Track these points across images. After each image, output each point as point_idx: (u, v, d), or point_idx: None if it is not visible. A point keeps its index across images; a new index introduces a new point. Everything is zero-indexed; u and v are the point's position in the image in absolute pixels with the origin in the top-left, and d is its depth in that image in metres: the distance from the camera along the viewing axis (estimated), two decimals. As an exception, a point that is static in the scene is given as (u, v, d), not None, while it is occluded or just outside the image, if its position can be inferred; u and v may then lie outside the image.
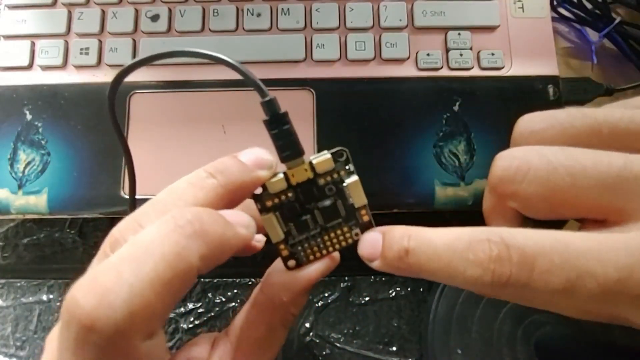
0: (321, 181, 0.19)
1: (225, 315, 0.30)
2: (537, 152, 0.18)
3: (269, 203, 0.19)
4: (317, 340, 0.30)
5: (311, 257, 0.20)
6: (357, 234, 0.20)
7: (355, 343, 0.30)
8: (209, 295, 0.31)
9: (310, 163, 0.18)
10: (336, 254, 0.20)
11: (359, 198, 0.19)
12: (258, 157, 0.19)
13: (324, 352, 0.30)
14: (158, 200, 0.18)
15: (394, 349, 0.30)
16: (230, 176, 0.18)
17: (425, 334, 0.28)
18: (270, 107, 0.18)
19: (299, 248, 0.19)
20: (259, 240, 0.21)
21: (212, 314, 0.30)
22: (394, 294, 0.31)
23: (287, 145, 0.18)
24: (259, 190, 0.19)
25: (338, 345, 0.30)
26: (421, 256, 0.17)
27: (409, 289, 0.31)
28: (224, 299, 0.31)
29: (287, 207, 0.19)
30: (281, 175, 0.19)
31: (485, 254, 0.16)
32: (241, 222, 0.18)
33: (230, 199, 0.18)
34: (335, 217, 0.19)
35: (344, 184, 0.19)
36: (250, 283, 0.31)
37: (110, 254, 0.17)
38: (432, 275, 0.17)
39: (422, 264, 0.17)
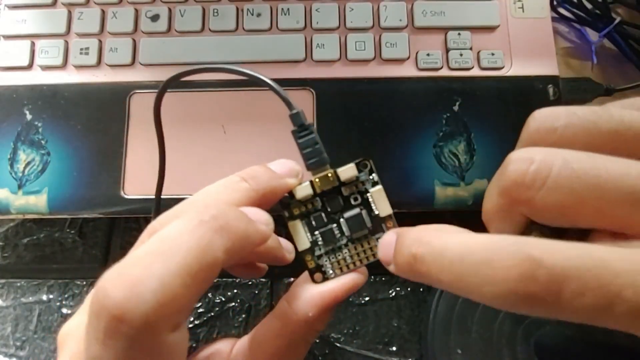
0: (346, 190, 0.20)
1: (225, 315, 0.30)
2: (560, 157, 0.15)
3: (295, 210, 0.20)
4: (317, 340, 0.30)
5: (338, 272, 0.20)
6: None
7: (355, 343, 0.30)
8: (209, 295, 0.31)
9: (335, 172, 0.19)
10: (364, 269, 0.20)
11: (383, 208, 0.20)
12: (286, 166, 0.20)
13: (324, 352, 0.30)
14: (195, 199, 0.19)
15: (394, 349, 0.29)
16: (262, 182, 0.19)
17: (425, 334, 0.28)
18: (297, 118, 0.20)
19: (326, 261, 0.20)
20: (290, 251, 0.21)
21: (212, 314, 0.30)
22: (394, 294, 0.31)
23: (312, 153, 0.20)
24: (286, 198, 0.20)
25: (338, 345, 0.30)
26: (431, 265, 0.16)
27: (409, 289, 0.31)
28: (224, 299, 0.31)
29: (314, 216, 0.20)
30: (307, 183, 0.20)
31: (506, 271, 0.14)
32: (262, 219, 0.18)
33: (259, 203, 0.19)
34: (362, 227, 0.20)
35: (368, 193, 0.20)
36: (250, 283, 0.31)
37: None
38: (447, 287, 0.16)
39: (433, 275, 0.16)
